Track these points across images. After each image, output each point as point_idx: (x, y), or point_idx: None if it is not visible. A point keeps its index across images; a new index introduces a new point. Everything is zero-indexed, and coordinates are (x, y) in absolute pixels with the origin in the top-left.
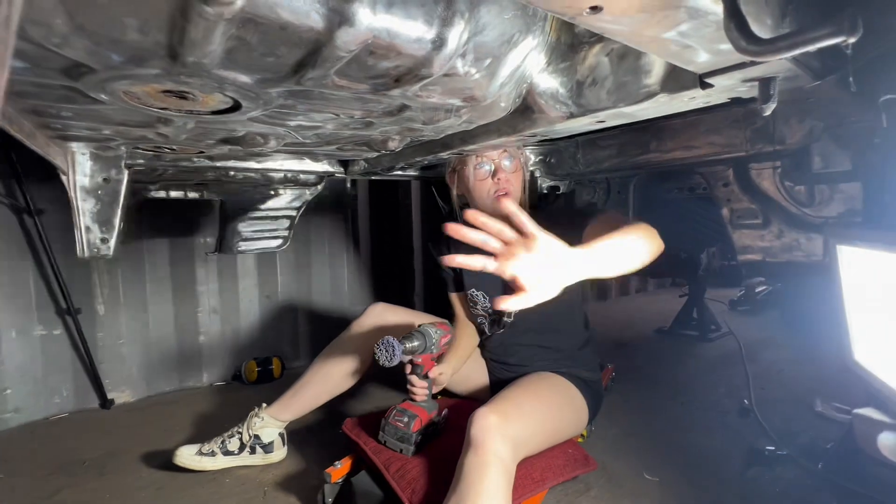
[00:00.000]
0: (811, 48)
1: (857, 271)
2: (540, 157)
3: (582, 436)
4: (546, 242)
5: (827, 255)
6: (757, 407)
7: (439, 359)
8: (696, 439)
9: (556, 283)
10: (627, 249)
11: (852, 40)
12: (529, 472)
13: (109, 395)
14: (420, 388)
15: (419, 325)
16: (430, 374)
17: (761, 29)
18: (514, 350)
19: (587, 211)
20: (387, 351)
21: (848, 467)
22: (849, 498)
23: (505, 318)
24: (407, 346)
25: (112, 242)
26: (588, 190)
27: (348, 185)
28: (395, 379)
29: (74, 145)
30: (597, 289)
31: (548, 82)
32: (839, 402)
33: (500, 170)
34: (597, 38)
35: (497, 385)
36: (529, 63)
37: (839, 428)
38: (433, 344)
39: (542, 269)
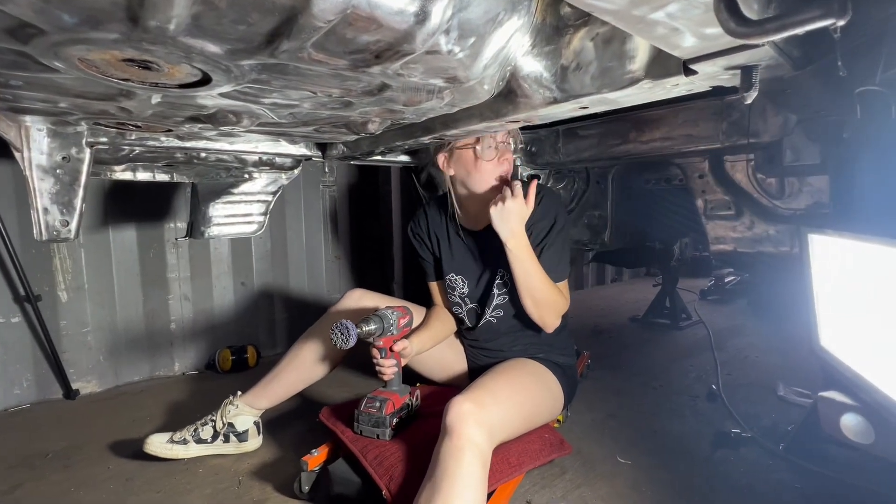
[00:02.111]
0: (800, 30)
1: (826, 259)
2: (521, 146)
3: (558, 421)
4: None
5: (798, 243)
6: (724, 392)
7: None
8: (668, 423)
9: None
10: (536, 274)
11: (841, 23)
12: (506, 457)
13: (74, 386)
14: (388, 367)
15: (377, 310)
16: (395, 349)
17: (748, 12)
18: (493, 336)
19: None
20: (342, 334)
21: (807, 448)
22: (807, 476)
23: (488, 313)
24: (363, 328)
25: (73, 225)
26: (568, 180)
27: (326, 169)
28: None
29: (29, 119)
30: (575, 278)
31: (532, 65)
32: (800, 387)
33: (506, 151)
34: (583, 21)
35: (475, 371)
36: (514, 44)
37: (799, 411)
38: (391, 326)
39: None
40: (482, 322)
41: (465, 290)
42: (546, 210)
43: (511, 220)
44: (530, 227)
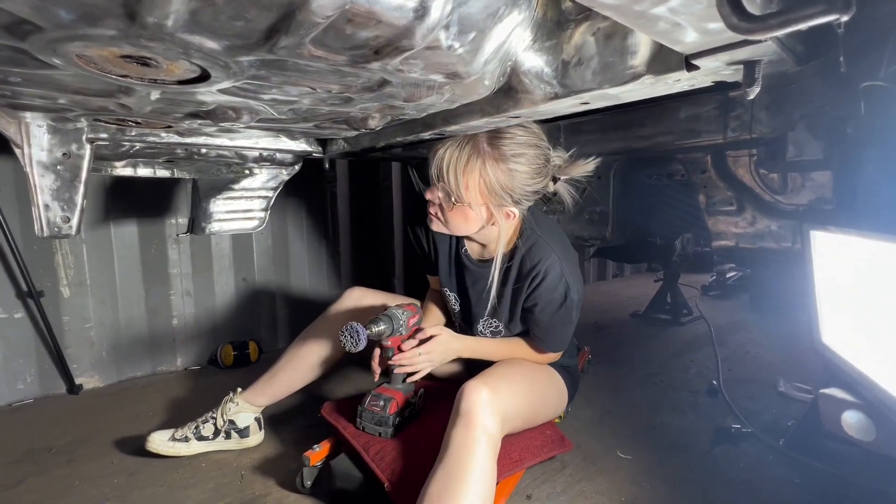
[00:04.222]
0: (803, 26)
1: (828, 255)
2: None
3: (559, 417)
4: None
5: (799, 240)
6: (724, 387)
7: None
8: (668, 419)
9: (441, 362)
10: (495, 355)
11: (845, 18)
12: (508, 452)
13: (77, 381)
14: (378, 370)
15: (385, 309)
16: (403, 348)
17: (751, 7)
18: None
19: (533, 284)
20: (352, 337)
21: (807, 444)
22: (807, 471)
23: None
24: (373, 329)
25: (75, 221)
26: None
27: (326, 165)
28: None
29: (28, 115)
30: None
31: (533, 61)
32: (801, 383)
33: (434, 197)
34: (584, 15)
35: (475, 369)
36: (514, 39)
37: (800, 406)
38: (401, 326)
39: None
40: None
41: (457, 309)
42: (552, 286)
43: (435, 364)
44: (532, 294)
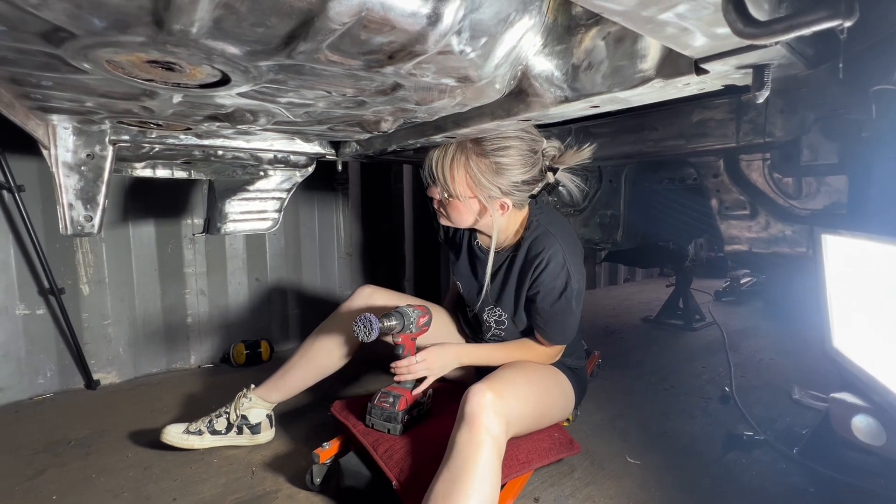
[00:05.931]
0: (807, 31)
1: (839, 259)
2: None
3: (567, 420)
4: (430, 354)
5: (812, 245)
6: (737, 394)
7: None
8: (678, 424)
9: (441, 369)
10: (494, 358)
11: (848, 24)
12: (515, 454)
13: (95, 376)
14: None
15: (397, 306)
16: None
17: (758, 12)
18: (505, 340)
19: (536, 274)
20: (365, 327)
21: (822, 452)
22: (822, 481)
23: (486, 334)
24: (385, 324)
25: (97, 220)
26: (580, 179)
27: (339, 167)
28: (384, 362)
29: (56, 118)
30: (587, 278)
31: (543, 65)
32: (816, 390)
33: (434, 190)
34: (594, 20)
35: (484, 371)
36: (525, 44)
37: (815, 414)
38: (411, 324)
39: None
40: (486, 336)
41: (465, 296)
42: (554, 274)
43: (434, 372)
44: (535, 282)
